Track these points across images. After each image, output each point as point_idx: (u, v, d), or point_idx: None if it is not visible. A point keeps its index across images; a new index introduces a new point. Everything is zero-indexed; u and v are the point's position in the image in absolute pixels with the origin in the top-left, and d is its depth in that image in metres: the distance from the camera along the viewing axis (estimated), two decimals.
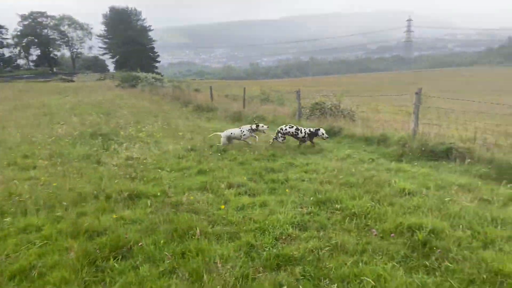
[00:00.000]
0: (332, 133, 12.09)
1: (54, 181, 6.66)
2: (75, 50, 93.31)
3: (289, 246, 4.22)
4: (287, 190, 6.19)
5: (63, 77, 64.47)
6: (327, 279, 3.56)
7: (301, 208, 5.39)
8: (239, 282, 3.57)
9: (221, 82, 74.87)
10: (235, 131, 10.37)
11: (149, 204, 5.62)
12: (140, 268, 3.84)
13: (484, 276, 3.47)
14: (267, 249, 4.16)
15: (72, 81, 59.67)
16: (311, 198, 5.73)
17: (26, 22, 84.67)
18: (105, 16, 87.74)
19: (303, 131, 10.30)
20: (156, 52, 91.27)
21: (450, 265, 3.72)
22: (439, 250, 3.99)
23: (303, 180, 6.77)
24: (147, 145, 10.13)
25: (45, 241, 4.44)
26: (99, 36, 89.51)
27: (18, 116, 17.05)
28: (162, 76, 56.64)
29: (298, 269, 3.76)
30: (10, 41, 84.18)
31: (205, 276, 3.61)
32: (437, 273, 3.61)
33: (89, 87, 41.96)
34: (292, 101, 19.11)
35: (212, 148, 9.69)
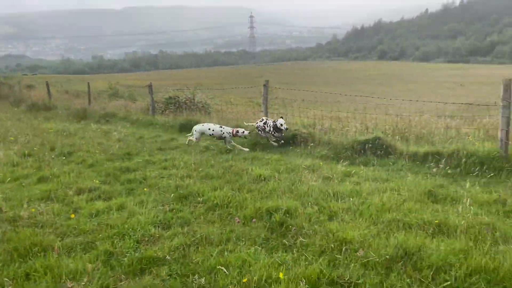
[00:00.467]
0: (189, 127, 12.10)
1: None
2: None
3: (152, 247, 4.02)
4: (145, 189, 5.90)
5: None
6: (196, 274, 3.51)
7: (163, 206, 5.21)
8: None
9: (60, 77, 67.39)
10: (215, 127, 9.24)
11: None
12: None
13: (332, 246, 3.91)
14: (128, 254, 3.88)
15: None
16: (172, 194, 5.59)
17: None
18: None
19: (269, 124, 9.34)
20: None
21: (304, 240, 4.08)
22: (294, 228, 4.34)
23: (163, 177, 6.56)
24: None
25: None
26: None
27: None
28: None
29: (164, 270, 3.62)
30: None
31: None
32: (294, 250, 3.93)
33: None
34: (145, 96, 18.35)
35: (55, 151, 8.58)
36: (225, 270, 3.49)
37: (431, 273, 3.35)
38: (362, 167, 7.06)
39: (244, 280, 3.31)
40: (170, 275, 3.55)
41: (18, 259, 3.83)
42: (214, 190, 5.70)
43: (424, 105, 13.18)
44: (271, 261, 3.66)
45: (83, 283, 3.37)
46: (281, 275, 3.32)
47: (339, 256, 3.72)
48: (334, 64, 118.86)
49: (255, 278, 3.33)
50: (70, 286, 3.33)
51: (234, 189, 5.74)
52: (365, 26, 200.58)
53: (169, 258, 3.81)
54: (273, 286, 3.27)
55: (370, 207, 4.92)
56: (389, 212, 4.73)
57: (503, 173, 6.29)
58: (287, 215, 4.69)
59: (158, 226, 4.56)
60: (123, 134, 10.84)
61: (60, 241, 4.21)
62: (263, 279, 3.34)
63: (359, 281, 3.32)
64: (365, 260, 3.61)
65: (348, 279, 3.34)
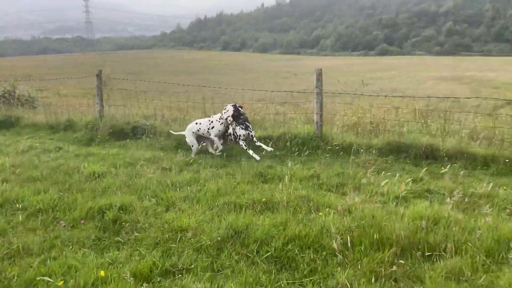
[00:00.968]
0: (8, 123, 10.53)
1: None
2: None
3: None
4: None
5: None
6: None
7: None
8: None
9: None
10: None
11: None
12: None
13: (167, 236, 3.93)
14: None
15: None
16: None
17: None
18: None
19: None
20: None
21: (138, 234, 4.00)
22: (128, 223, 4.21)
23: None
24: None
25: None
26: None
27: None
28: None
29: None
30: None
31: None
32: (127, 246, 3.81)
33: None
34: None
35: None
36: (48, 279, 3.18)
37: (256, 247, 3.69)
38: (201, 154, 7.27)
39: (60, 283, 3.08)
40: None
41: None
42: (38, 193, 5.09)
43: (265, 94, 14.22)
44: (101, 261, 3.48)
45: None
46: (102, 273, 3.19)
47: (174, 245, 3.77)
48: (180, 53, 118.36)
49: (81, 282, 3.12)
50: None
51: (62, 191, 5.23)
52: (208, 17, 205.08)
53: None
54: None
55: (207, 193, 5.11)
56: (224, 196, 4.99)
57: (319, 151, 7.31)
58: (122, 211, 4.52)
59: None
60: None
61: None
62: (91, 282, 3.15)
63: (192, 266, 3.43)
64: (198, 245, 3.75)
65: (180, 266, 3.42)
